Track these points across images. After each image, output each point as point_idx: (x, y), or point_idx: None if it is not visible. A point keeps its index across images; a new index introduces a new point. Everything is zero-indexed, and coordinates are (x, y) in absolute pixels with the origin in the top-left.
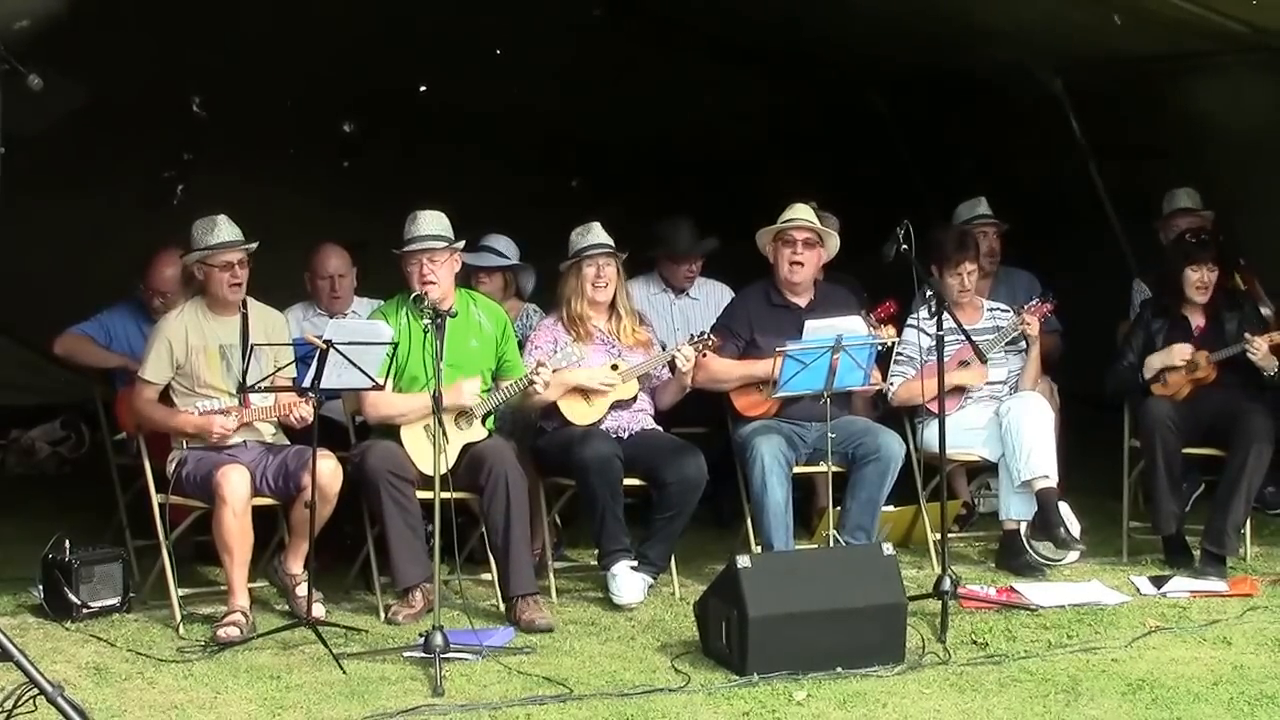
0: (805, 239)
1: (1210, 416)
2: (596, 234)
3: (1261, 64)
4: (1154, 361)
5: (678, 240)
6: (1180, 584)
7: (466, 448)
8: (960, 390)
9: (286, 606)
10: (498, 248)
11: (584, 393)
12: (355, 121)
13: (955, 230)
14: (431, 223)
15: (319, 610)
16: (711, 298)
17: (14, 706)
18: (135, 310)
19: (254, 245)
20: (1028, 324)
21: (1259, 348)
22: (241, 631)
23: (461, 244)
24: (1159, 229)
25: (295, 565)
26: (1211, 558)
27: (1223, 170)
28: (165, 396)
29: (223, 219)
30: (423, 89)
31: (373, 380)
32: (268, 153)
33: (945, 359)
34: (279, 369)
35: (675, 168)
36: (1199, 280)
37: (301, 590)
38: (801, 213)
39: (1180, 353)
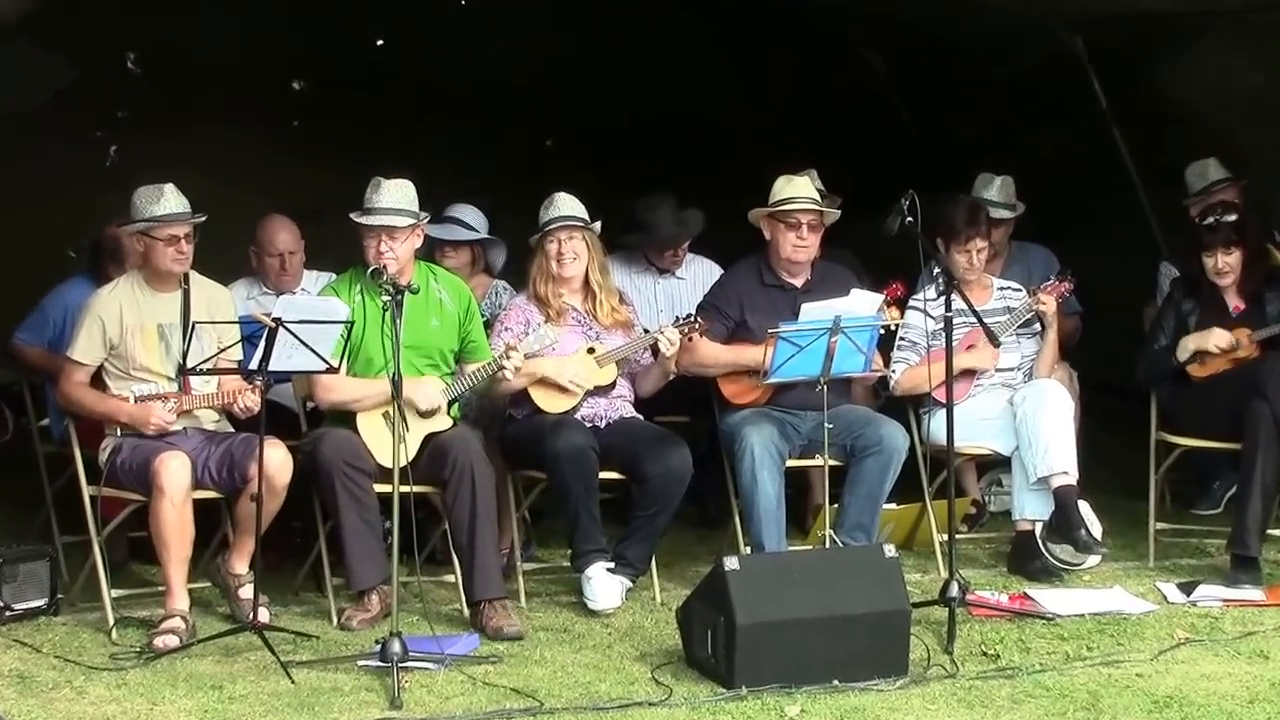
0: (810, 222)
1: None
2: (562, 205)
3: None
4: (1189, 343)
5: (658, 227)
6: (1211, 592)
7: (429, 437)
8: (970, 376)
9: (229, 610)
10: (465, 219)
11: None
12: (307, 78)
13: (966, 202)
14: (395, 194)
15: (265, 614)
16: (699, 277)
17: None
18: (87, 287)
19: (201, 218)
20: (1043, 304)
21: None
22: (180, 637)
23: (426, 218)
24: (1188, 208)
25: (240, 564)
26: (1241, 562)
27: (1259, 137)
28: (98, 379)
29: (170, 189)
30: (380, 42)
31: (326, 362)
32: (209, 111)
33: (953, 343)
34: (223, 350)
35: (657, 132)
36: (1215, 266)
37: (246, 592)
38: (803, 189)
39: (1218, 339)
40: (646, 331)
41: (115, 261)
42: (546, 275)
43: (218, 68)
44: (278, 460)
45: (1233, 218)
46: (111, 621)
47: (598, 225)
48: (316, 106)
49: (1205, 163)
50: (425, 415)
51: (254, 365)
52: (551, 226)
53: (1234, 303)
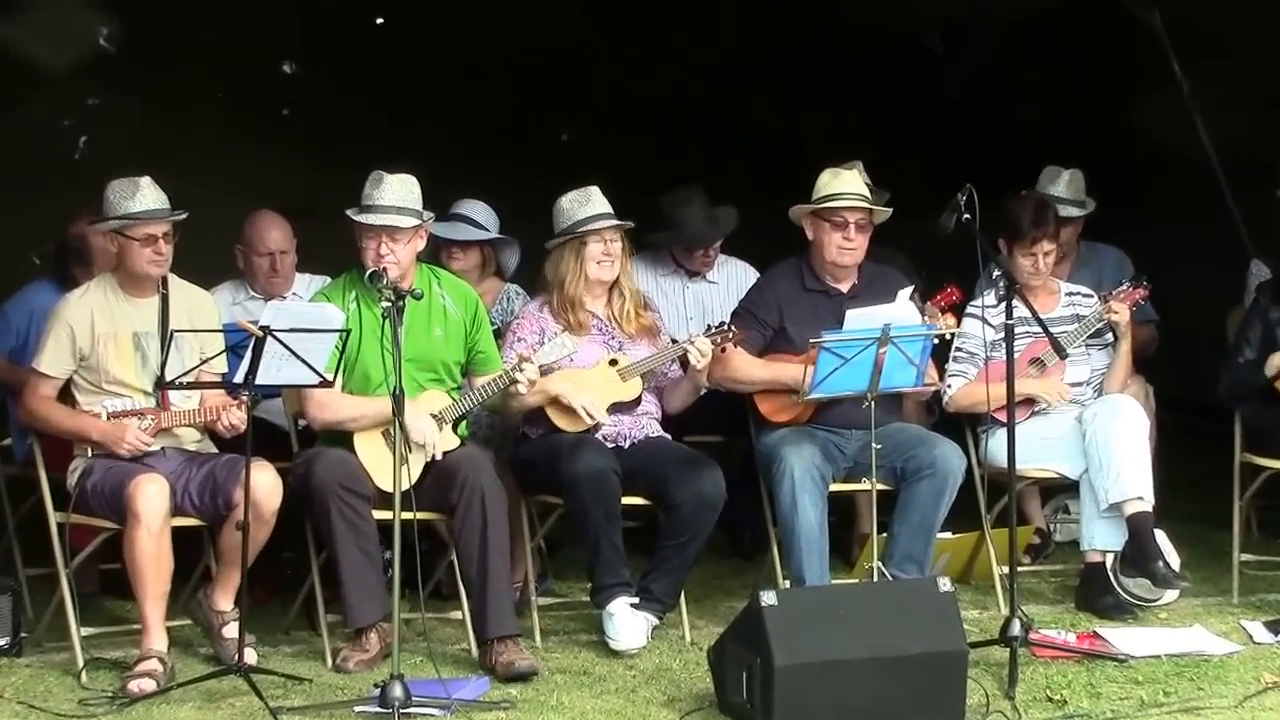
0: (858, 221)
1: None
2: (599, 202)
3: None
4: (1277, 360)
5: (687, 224)
6: None
7: (434, 458)
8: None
9: (212, 650)
10: (474, 217)
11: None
12: (298, 60)
13: (1032, 199)
14: (399, 191)
15: (252, 655)
16: (734, 280)
17: None
18: (54, 292)
19: (182, 215)
20: (1116, 312)
21: None
22: (158, 681)
23: (431, 218)
24: None
25: (224, 600)
26: None
27: None
28: (66, 393)
29: (146, 182)
30: (379, 20)
31: (320, 375)
32: (190, 97)
33: (1015, 355)
34: (205, 361)
35: (686, 119)
36: None
37: (231, 630)
38: (851, 184)
39: None
40: (675, 341)
41: (82, 264)
42: (580, 280)
43: (199, 48)
44: (266, 484)
45: None
46: (81, 663)
47: (630, 226)
48: (309, 92)
49: None
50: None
51: (239, 378)
52: (597, 225)
53: None
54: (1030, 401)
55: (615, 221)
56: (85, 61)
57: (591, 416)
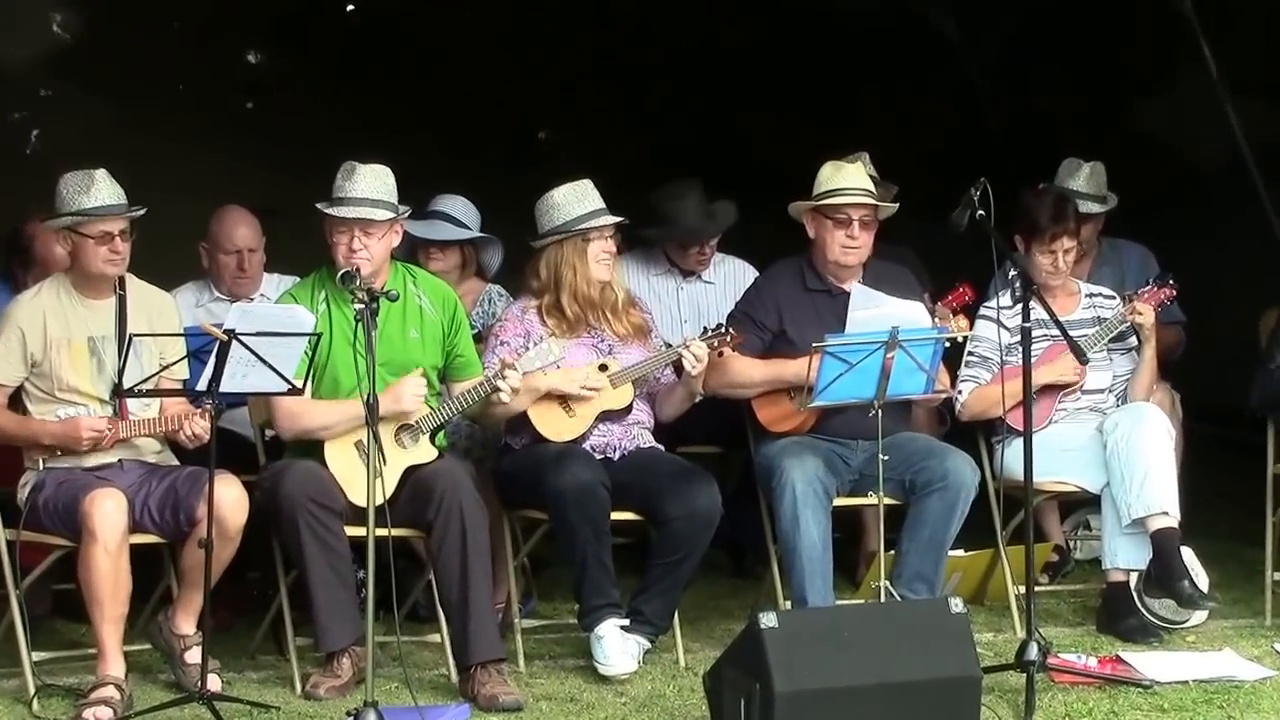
0: (862, 217)
1: None
2: (595, 197)
3: None
4: None
5: (683, 218)
6: None
7: (410, 471)
8: (1051, 394)
9: (173, 676)
10: (453, 214)
11: (563, 400)
12: (263, 51)
13: (1052, 194)
14: (372, 183)
15: (216, 681)
16: (731, 280)
17: None
18: (2, 294)
19: (140, 211)
20: (1140, 314)
21: None
22: (114, 709)
23: (407, 212)
24: None
25: (186, 623)
26: None
27: None
28: (16, 404)
29: (102, 175)
30: (350, 8)
31: (288, 382)
32: (150, 89)
33: (1031, 360)
34: (166, 367)
35: (674, 111)
36: None
37: (194, 655)
38: (855, 178)
39: None
40: (669, 345)
41: (24, 266)
42: (581, 282)
43: (158, 36)
44: (231, 499)
45: None
46: (32, 690)
47: (626, 221)
48: (275, 85)
49: None
50: (407, 430)
51: (203, 385)
52: (598, 222)
53: None
54: (1054, 391)
55: (616, 218)
56: (38, 50)
57: (595, 391)
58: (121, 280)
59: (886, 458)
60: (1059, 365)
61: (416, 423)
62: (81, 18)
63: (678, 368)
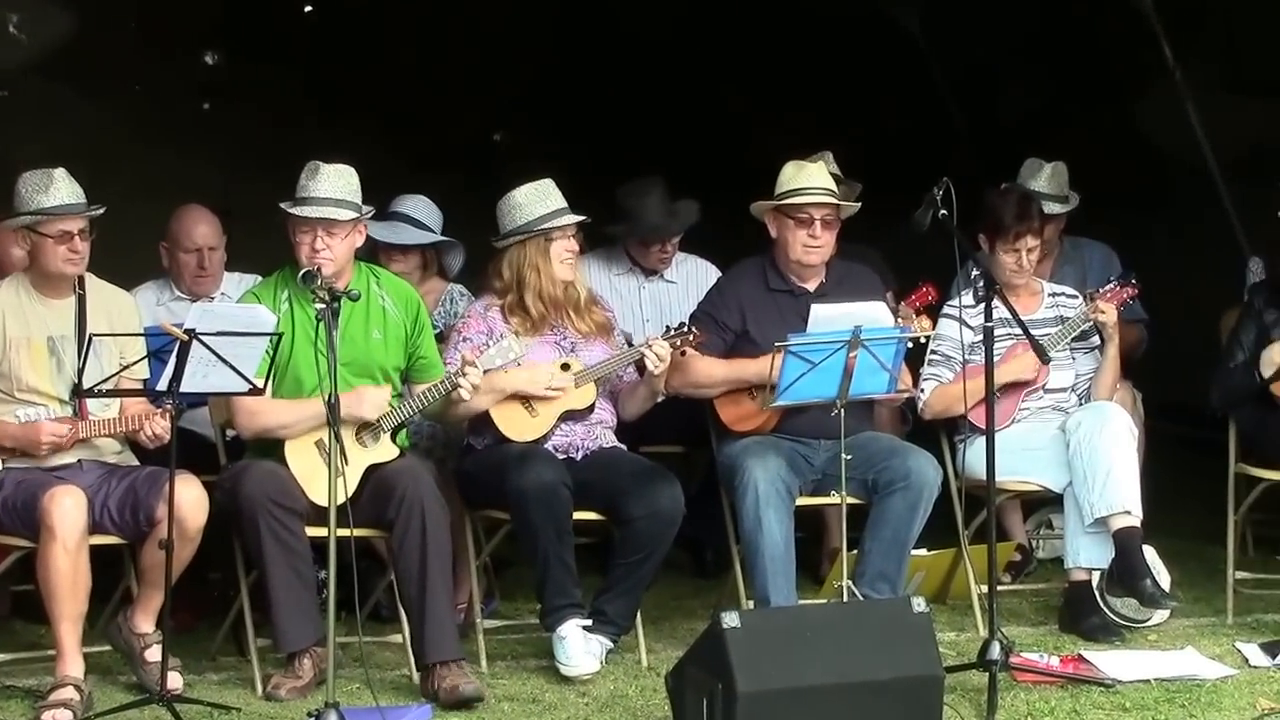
0: (824, 217)
1: None
2: (557, 197)
3: None
4: (1274, 354)
5: (644, 215)
6: None
7: (371, 470)
8: (1014, 392)
9: (134, 677)
10: (415, 216)
11: (525, 399)
12: (219, 51)
13: (1015, 193)
14: (335, 182)
15: (176, 681)
16: (693, 280)
17: None
18: None
19: (99, 211)
20: (1103, 313)
21: None
22: (74, 710)
23: (370, 212)
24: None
25: (145, 623)
26: None
27: None
28: None
29: (60, 174)
30: (308, 8)
31: (249, 382)
32: (104, 88)
33: (994, 359)
34: (126, 367)
35: (634, 111)
36: None
37: (154, 655)
38: (816, 177)
39: None
40: (631, 344)
41: None
42: (545, 282)
43: (114, 36)
44: (191, 499)
45: None
46: None
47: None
48: (233, 85)
49: None
50: (368, 429)
51: (163, 385)
52: (561, 221)
53: None
54: (1016, 389)
55: (579, 217)
56: None
57: (560, 391)
58: (81, 280)
59: (849, 457)
60: (1019, 363)
61: (378, 421)
62: (39, 19)
63: (640, 367)
